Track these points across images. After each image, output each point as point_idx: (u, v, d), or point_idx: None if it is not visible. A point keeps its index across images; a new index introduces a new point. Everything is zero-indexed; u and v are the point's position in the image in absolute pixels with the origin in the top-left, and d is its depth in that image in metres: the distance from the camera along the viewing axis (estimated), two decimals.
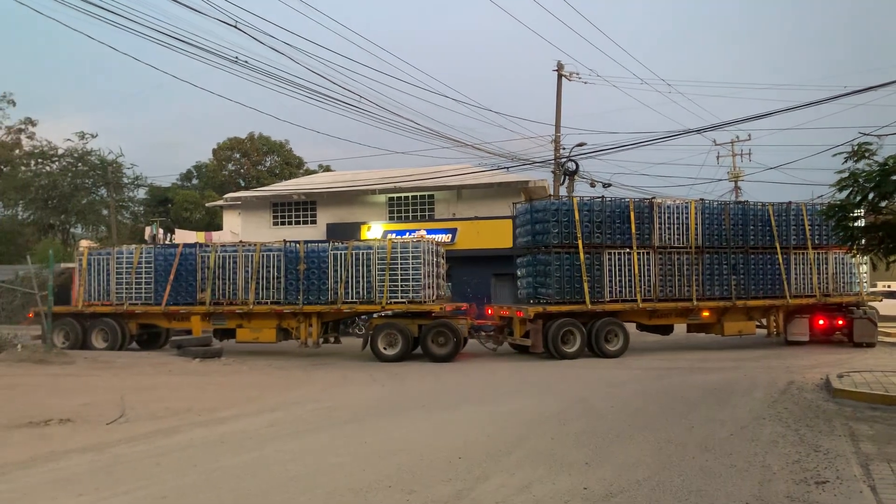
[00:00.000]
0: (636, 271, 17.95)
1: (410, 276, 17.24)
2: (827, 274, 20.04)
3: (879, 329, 21.35)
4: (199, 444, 7.92)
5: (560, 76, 27.87)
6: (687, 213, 18.71)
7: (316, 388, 12.60)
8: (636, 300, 17.93)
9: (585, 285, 17.42)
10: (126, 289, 18.83)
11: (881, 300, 24.57)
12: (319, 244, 18.53)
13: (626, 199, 18.64)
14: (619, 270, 17.91)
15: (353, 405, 10.67)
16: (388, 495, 5.84)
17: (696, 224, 18.69)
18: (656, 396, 11.17)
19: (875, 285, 28.20)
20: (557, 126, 27.63)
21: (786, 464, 6.73)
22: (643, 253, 18.13)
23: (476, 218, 27.72)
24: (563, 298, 17.39)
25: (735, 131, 46.84)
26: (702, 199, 19.52)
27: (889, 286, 28.22)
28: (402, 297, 17.27)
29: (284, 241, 18.56)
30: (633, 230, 18.05)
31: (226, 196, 36.43)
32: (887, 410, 9.44)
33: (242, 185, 51.24)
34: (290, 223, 31.47)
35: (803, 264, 19.88)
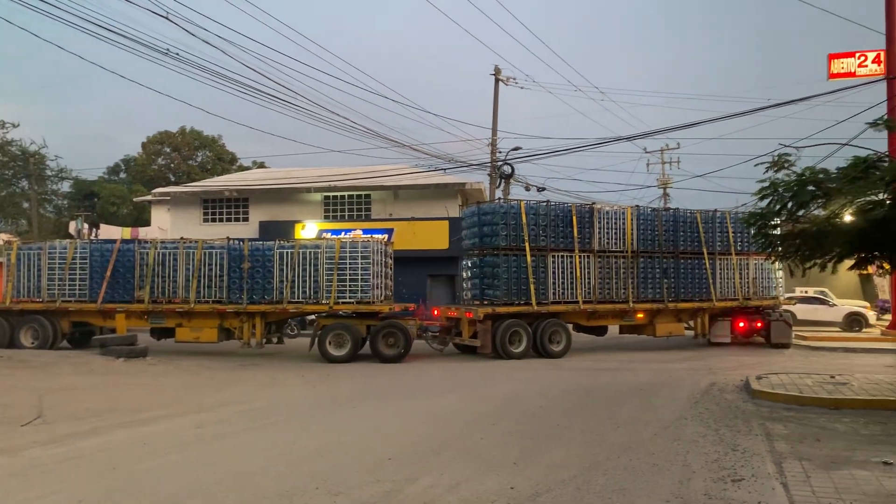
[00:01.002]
0: (578, 274, 18.41)
1: (359, 276, 17.04)
2: (748, 279, 21.10)
3: (796, 332, 22.78)
4: (119, 446, 7.67)
5: (497, 80, 28.16)
6: (624, 219, 19.32)
7: (245, 388, 12.37)
8: (578, 302, 18.39)
9: (532, 287, 17.74)
10: (59, 285, 18.02)
11: (795, 304, 26.01)
12: (265, 242, 18.13)
13: (569, 204, 19.13)
14: (563, 273, 18.32)
15: (282, 406, 10.52)
16: (314, 497, 5.78)
17: (632, 229, 19.31)
18: (585, 396, 11.38)
19: (793, 291, 29.50)
20: (494, 130, 27.91)
21: (705, 462, 6.96)
22: (584, 256, 18.61)
23: (413, 219, 27.72)
24: (511, 300, 17.66)
25: (664, 139, 48.30)
26: (637, 206, 20.18)
27: (805, 291, 29.48)
28: (350, 298, 17.07)
29: (228, 238, 18.11)
30: (576, 234, 18.51)
31: (154, 191, 35.43)
32: (800, 411, 9.86)
33: (172, 180, 49.91)
34: (221, 220, 30.81)
35: (727, 269, 20.80)
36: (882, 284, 32.87)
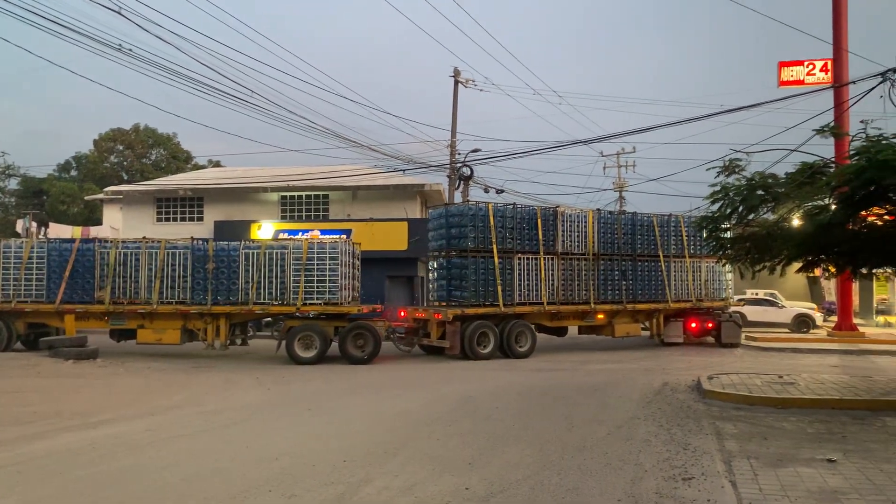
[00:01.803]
0: (543, 276, 18.67)
1: (327, 277, 16.89)
2: (700, 281, 21.84)
3: (747, 333, 23.58)
4: (66, 450, 7.47)
5: (456, 82, 28.26)
6: (585, 222, 19.71)
7: (198, 391, 12.16)
8: (542, 303, 18.67)
9: (499, 288, 17.93)
10: (14, 285, 17.41)
11: (743, 305, 26.86)
12: (230, 242, 17.80)
13: (535, 207, 19.46)
14: (528, 275, 18.56)
15: (235, 409, 10.37)
16: (266, 500, 5.71)
17: (594, 232, 19.72)
18: (541, 397, 11.47)
19: (744, 293, 30.22)
20: (453, 131, 28.01)
21: (657, 461, 7.07)
22: (548, 258, 18.88)
23: (371, 219, 27.59)
24: (478, 301, 17.79)
25: (621, 143, 48.96)
26: (598, 210, 20.66)
27: (756, 294, 30.19)
28: (317, 299, 16.90)
29: (192, 238, 17.78)
30: (541, 236, 18.77)
31: (106, 189, 34.63)
32: (750, 410, 10.10)
33: (125, 178, 48.87)
34: (174, 220, 30.26)
35: (681, 272, 21.50)
36: (829, 287, 33.83)
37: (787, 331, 26.86)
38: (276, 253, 17.07)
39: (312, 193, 29.76)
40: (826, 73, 24.17)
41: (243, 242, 17.62)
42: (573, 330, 21.12)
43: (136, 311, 17.17)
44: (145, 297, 17.17)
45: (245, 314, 17.46)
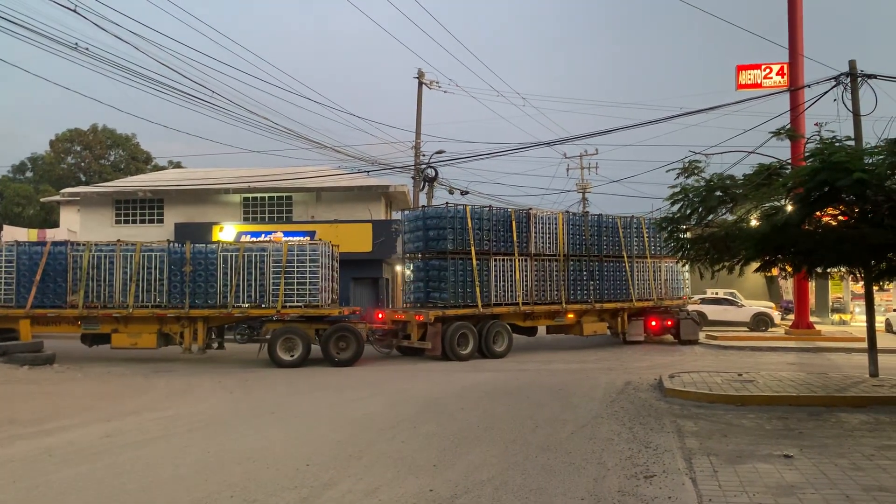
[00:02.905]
0: (518, 277, 18.96)
1: (307, 280, 16.73)
2: (661, 280, 22.65)
3: (707, 332, 24.18)
4: (21, 458, 7.28)
5: (421, 84, 28.25)
6: (556, 224, 20.15)
7: (158, 396, 11.95)
8: (518, 303, 18.96)
9: (478, 289, 18.14)
10: None
11: (699, 303, 27.58)
12: (208, 245, 17.57)
13: (509, 209, 19.81)
14: (504, 275, 18.83)
15: (197, 414, 10.21)
16: None
17: (563, 234, 20.17)
18: (505, 397, 11.50)
19: (704, 292, 30.74)
20: (418, 133, 27.98)
21: (619, 460, 7.14)
22: (522, 259, 19.19)
23: (336, 221, 27.42)
24: (458, 302, 17.94)
25: (584, 145, 49.44)
26: (567, 211, 21.20)
27: (716, 293, 30.71)
28: (298, 301, 16.76)
29: (168, 241, 17.50)
30: (515, 238, 19.09)
31: (63, 191, 33.88)
32: (710, 408, 10.26)
33: (83, 179, 47.88)
34: (134, 222, 29.73)
35: (643, 271, 22.18)
36: (786, 286, 34.55)
37: (747, 329, 27.39)
38: (255, 255, 16.89)
39: (275, 195, 29.49)
40: (782, 77, 24.69)
41: (221, 245, 17.44)
42: (541, 329, 21.32)
43: (111, 316, 16.83)
44: (120, 301, 16.85)
45: (224, 317, 17.24)
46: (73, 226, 31.81)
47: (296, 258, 16.85)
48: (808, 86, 19.82)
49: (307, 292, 16.75)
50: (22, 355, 15.69)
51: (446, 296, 17.90)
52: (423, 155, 28.05)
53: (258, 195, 29.47)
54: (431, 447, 7.74)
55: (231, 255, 16.88)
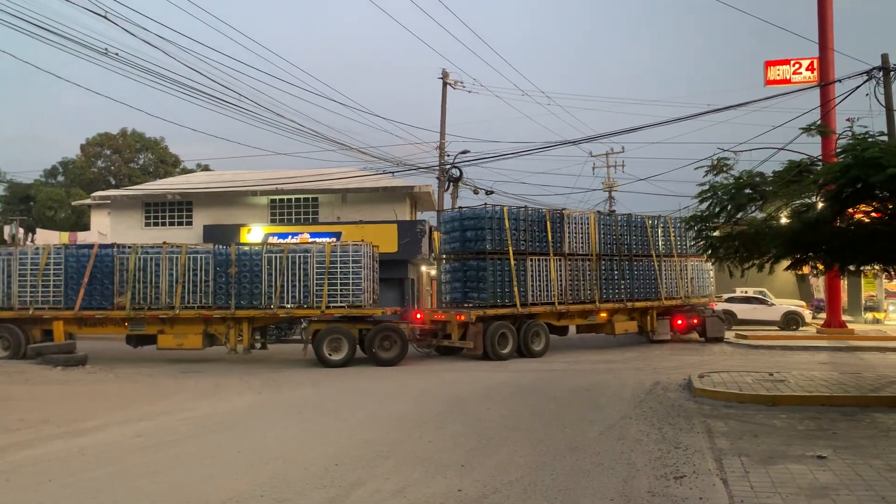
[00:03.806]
0: (553, 276, 19.07)
1: (350, 281, 16.89)
2: (687, 279, 22.74)
3: (737, 331, 24.01)
4: (55, 457, 7.41)
5: (445, 84, 28.23)
6: (588, 224, 20.29)
7: (187, 396, 12.09)
8: (553, 303, 19.08)
9: (516, 289, 18.27)
10: (31, 292, 17.28)
11: (724, 300, 27.52)
12: (252, 247, 17.84)
13: (543, 210, 19.94)
14: (539, 275, 18.93)
15: (225, 414, 10.31)
16: None
17: (596, 234, 20.30)
18: (532, 397, 11.47)
19: (734, 291, 30.39)
20: (442, 133, 27.97)
21: (649, 460, 7.08)
22: (557, 259, 19.34)
23: (361, 222, 27.52)
24: (496, 302, 18.07)
25: (609, 143, 49.07)
26: (599, 211, 21.46)
27: (745, 292, 30.33)
28: (341, 302, 16.91)
29: (214, 243, 17.73)
30: (550, 238, 19.25)
31: (94, 195, 34.38)
32: (740, 408, 10.13)
33: (113, 183, 48.62)
34: (163, 224, 30.08)
35: (671, 270, 22.24)
36: (817, 284, 34.03)
37: (777, 328, 27.01)
38: (299, 256, 17.05)
39: (302, 197, 29.67)
40: (812, 72, 24.33)
41: (265, 246, 17.67)
42: (571, 329, 21.41)
43: (158, 317, 17.09)
44: (166, 302, 17.08)
45: (269, 318, 17.45)
46: (104, 228, 32.31)
47: (339, 259, 17.02)
48: (839, 80, 19.52)
49: (350, 293, 16.91)
50: (55, 356, 15.97)
51: (485, 296, 18.07)
52: (448, 155, 28.04)
53: (285, 197, 29.68)
54: (459, 447, 7.73)
55: (275, 257, 17.06)
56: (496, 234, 18.32)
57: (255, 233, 27.30)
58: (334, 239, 26.53)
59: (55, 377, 14.42)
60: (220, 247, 17.60)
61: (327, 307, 16.88)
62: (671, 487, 6.11)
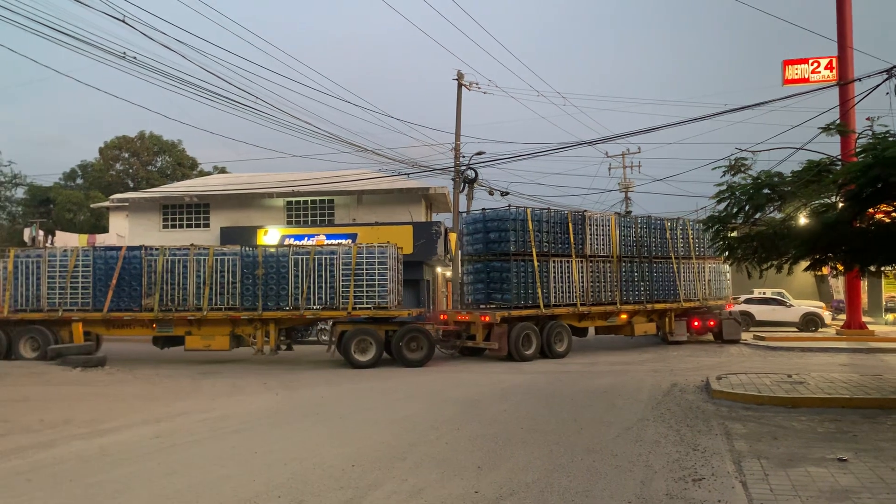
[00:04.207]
0: (575, 278, 19.20)
1: (377, 282, 16.98)
2: (705, 281, 22.86)
3: (755, 333, 23.92)
4: (76, 457, 7.48)
5: (460, 86, 28.20)
6: (609, 226, 20.43)
7: (205, 397, 12.16)
8: (575, 304, 19.19)
9: (539, 290, 18.40)
10: (60, 294, 17.49)
11: (741, 302, 27.32)
12: (279, 248, 17.95)
13: (566, 212, 20.01)
14: (562, 277, 19.04)
15: (243, 415, 10.36)
16: None
17: (616, 235, 20.44)
18: (548, 399, 11.43)
19: (752, 292, 30.15)
20: (457, 134, 27.93)
21: (666, 462, 7.04)
22: (579, 261, 19.46)
23: (377, 223, 27.62)
24: (520, 303, 18.18)
25: (626, 144, 48.87)
26: (618, 213, 21.67)
27: (764, 293, 30.07)
28: (367, 303, 16.99)
29: (241, 245, 17.89)
30: (572, 240, 19.38)
31: (112, 197, 34.73)
32: (759, 410, 10.05)
33: (131, 185, 49.03)
34: (181, 226, 30.34)
35: (689, 272, 22.34)
36: (836, 285, 33.71)
37: (796, 330, 26.76)
38: (325, 258, 17.15)
39: (318, 198, 29.81)
40: (831, 71, 24.07)
41: (292, 248, 17.78)
42: (589, 330, 21.47)
43: (186, 318, 17.23)
44: (194, 304, 17.22)
45: (296, 319, 17.52)
46: (122, 231, 32.60)
47: (364, 261, 17.09)
48: (859, 79, 19.30)
49: (376, 294, 16.98)
50: (75, 357, 16.13)
51: (509, 297, 18.18)
52: (463, 156, 28.00)
53: (301, 199, 29.83)
54: (475, 448, 7.73)
55: (302, 259, 17.18)
56: (520, 236, 18.44)
57: (271, 234, 27.46)
58: (349, 241, 26.64)
59: (75, 378, 14.55)
60: (248, 248, 17.76)
61: (353, 308, 16.97)
62: (689, 490, 6.07)
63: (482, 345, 17.94)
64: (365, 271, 17.05)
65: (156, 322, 17.39)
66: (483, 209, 19.88)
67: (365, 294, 17.00)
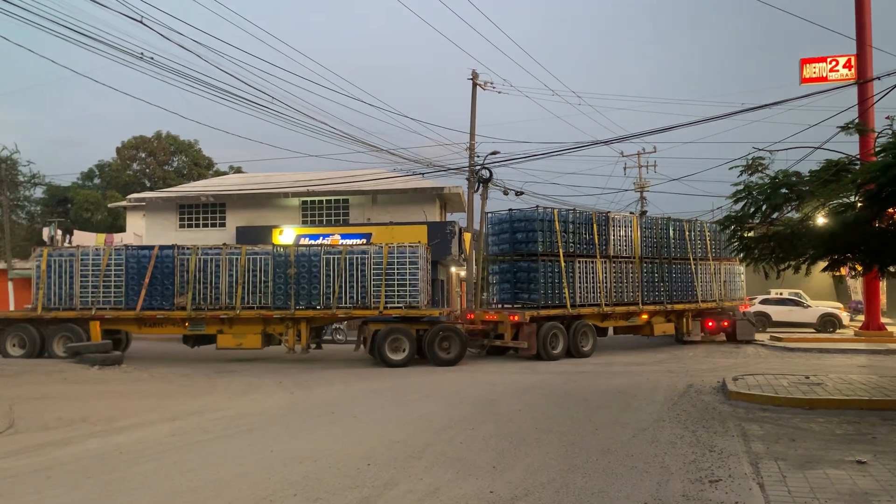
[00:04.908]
0: (600, 278, 19.38)
1: (408, 281, 17.12)
2: (720, 282, 23.04)
3: (772, 333, 23.77)
4: (93, 455, 7.55)
5: (475, 85, 28.15)
6: (631, 227, 20.60)
7: (220, 396, 12.23)
8: (600, 304, 19.36)
9: (566, 290, 18.57)
10: (92, 293, 17.69)
11: (754, 303, 27.27)
12: (310, 248, 18.10)
13: (590, 212, 20.20)
14: (586, 277, 19.22)
15: (258, 413, 10.41)
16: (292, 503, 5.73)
17: (638, 236, 20.62)
18: (563, 399, 11.40)
19: (768, 293, 29.91)
20: (472, 134, 27.89)
21: (683, 464, 6.99)
22: (602, 261, 19.62)
23: (391, 223, 27.65)
24: (547, 303, 18.34)
25: (641, 143, 48.63)
26: (640, 214, 21.38)
27: (780, 293, 29.83)
28: (398, 302, 17.13)
29: (273, 244, 18.03)
30: (597, 240, 19.55)
31: (130, 197, 34.99)
32: (776, 411, 9.97)
33: (148, 185, 49.40)
34: (197, 226, 30.52)
35: (706, 273, 22.52)
36: (855, 286, 33.32)
37: (813, 331, 26.53)
38: (357, 258, 17.30)
39: (332, 198, 29.89)
40: (849, 70, 23.84)
41: (323, 248, 17.94)
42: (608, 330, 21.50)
43: (218, 317, 17.38)
44: (226, 303, 17.37)
45: (328, 318, 17.69)
46: (139, 230, 32.86)
47: (396, 260, 17.22)
48: (878, 78, 19.05)
49: (407, 293, 17.10)
50: (92, 356, 16.26)
51: (536, 297, 18.30)
52: (478, 156, 27.96)
53: (316, 199, 29.92)
54: (490, 448, 7.72)
55: (333, 258, 17.30)
56: (547, 236, 18.59)
57: (286, 234, 27.57)
58: (364, 240, 26.71)
59: (92, 376, 14.68)
60: (279, 248, 17.97)
61: (385, 308, 17.07)
62: (706, 491, 6.03)
63: (511, 344, 18.04)
64: (396, 271, 17.19)
65: (188, 321, 17.55)
66: (510, 210, 19.98)
67: (396, 293, 17.14)
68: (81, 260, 17.82)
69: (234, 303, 17.32)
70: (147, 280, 17.51)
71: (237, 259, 17.45)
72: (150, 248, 18.15)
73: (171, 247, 18.04)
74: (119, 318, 17.73)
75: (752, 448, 7.62)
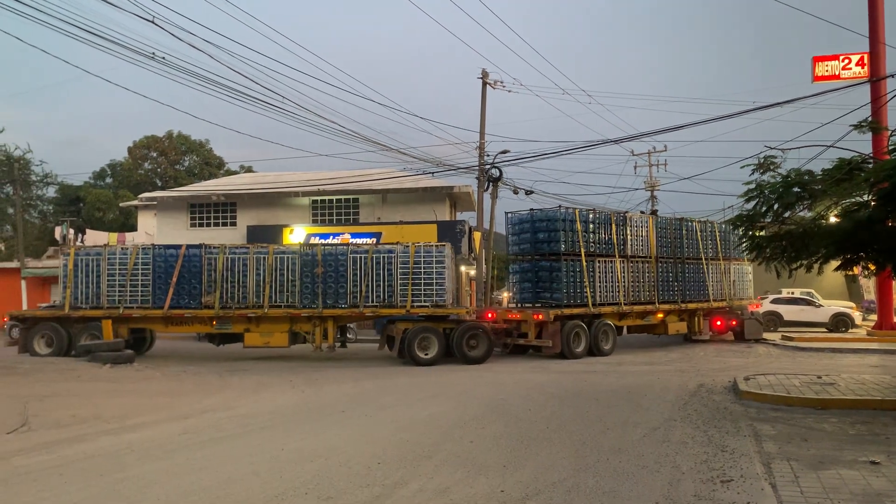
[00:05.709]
0: (619, 277, 19.52)
1: (434, 281, 17.29)
2: (730, 281, 23.30)
3: (783, 333, 23.78)
4: (105, 452, 7.60)
5: (485, 84, 28.13)
6: (647, 227, 20.80)
7: (231, 394, 12.28)
8: (619, 303, 19.52)
9: (588, 290, 18.73)
10: (120, 291, 17.82)
11: (770, 301, 27.32)
12: (338, 247, 18.27)
13: (608, 212, 20.40)
14: (606, 276, 19.36)
15: (270, 412, 10.44)
16: (303, 502, 5.74)
17: (654, 237, 20.81)
18: (573, 399, 11.37)
19: (780, 292, 29.76)
20: (482, 133, 27.87)
21: (694, 464, 6.97)
22: (621, 261, 19.77)
23: (401, 222, 27.67)
24: (570, 302, 18.47)
25: (652, 142, 48.43)
26: (655, 215, 22.13)
27: (792, 293, 29.66)
28: (425, 301, 17.26)
29: (300, 243, 18.15)
30: (615, 240, 19.68)
31: (141, 196, 35.17)
32: (788, 411, 9.91)
33: (159, 184, 49.68)
34: (208, 225, 30.64)
35: (717, 273, 22.73)
36: (867, 285, 33.10)
37: (825, 330, 26.35)
38: (383, 257, 17.45)
39: (343, 197, 29.94)
40: (862, 67, 23.67)
41: (350, 247, 18.07)
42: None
43: (246, 316, 17.49)
44: (254, 302, 17.49)
45: (355, 317, 17.82)
46: (151, 229, 33.02)
47: (422, 260, 17.37)
48: (892, 76, 18.94)
49: (434, 292, 17.26)
50: (104, 354, 16.36)
51: (558, 296, 18.43)
52: (488, 155, 27.93)
53: (326, 198, 29.98)
54: (500, 448, 7.71)
55: (360, 257, 17.44)
56: (568, 236, 18.72)
57: (297, 233, 27.63)
58: (374, 239, 26.76)
59: (104, 374, 14.78)
60: (306, 247, 18.11)
61: (412, 307, 17.19)
62: (718, 491, 6.01)
63: (535, 342, 18.13)
64: (423, 270, 17.33)
65: (215, 319, 17.64)
66: (531, 209, 20.05)
67: (423, 292, 17.28)
68: (108, 259, 17.95)
69: (261, 301, 17.43)
70: (175, 279, 17.62)
71: (265, 258, 17.60)
72: (178, 247, 18.26)
73: (199, 246, 18.14)
74: (147, 316, 17.86)
75: (765, 448, 7.58)
